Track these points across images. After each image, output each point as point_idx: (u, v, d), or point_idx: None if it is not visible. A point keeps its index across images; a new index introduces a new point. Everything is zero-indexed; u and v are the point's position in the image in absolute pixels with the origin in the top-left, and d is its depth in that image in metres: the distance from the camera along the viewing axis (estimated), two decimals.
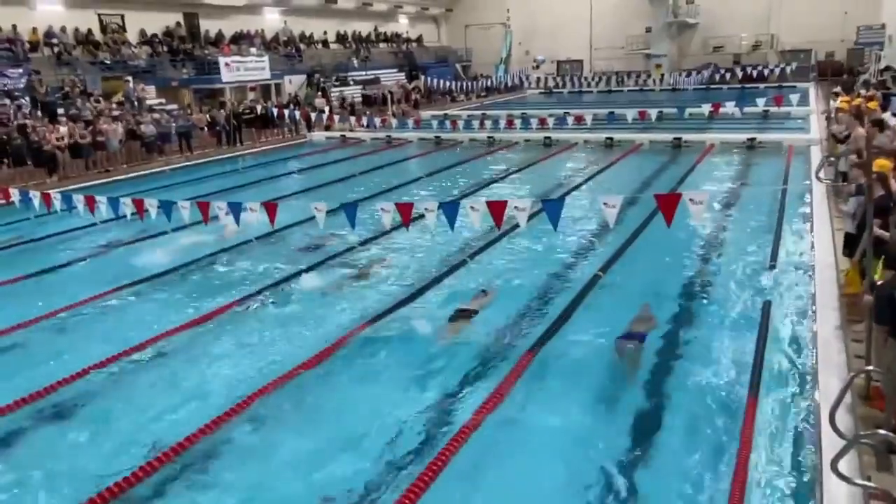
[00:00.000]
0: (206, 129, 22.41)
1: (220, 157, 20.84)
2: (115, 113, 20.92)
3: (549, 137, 20.85)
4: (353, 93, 33.13)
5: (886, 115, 12.64)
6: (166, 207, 9.01)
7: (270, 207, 8.51)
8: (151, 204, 9.04)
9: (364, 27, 40.90)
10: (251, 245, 10.78)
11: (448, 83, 36.67)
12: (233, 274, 9.60)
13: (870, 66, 29.59)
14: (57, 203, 9.99)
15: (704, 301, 7.94)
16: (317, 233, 10.44)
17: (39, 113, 19.55)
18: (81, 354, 6.85)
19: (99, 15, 26.48)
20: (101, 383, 6.44)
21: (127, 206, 9.13)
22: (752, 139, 18.28)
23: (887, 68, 26.14)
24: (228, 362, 6.81)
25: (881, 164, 6.83)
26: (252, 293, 8.56)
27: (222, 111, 23.04)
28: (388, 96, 32.08)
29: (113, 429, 5.67)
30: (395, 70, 39.43)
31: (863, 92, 19.52)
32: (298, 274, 9.25)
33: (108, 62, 24.71)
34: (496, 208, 7.43)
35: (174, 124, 21.24)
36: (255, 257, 10.21)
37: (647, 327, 7.07)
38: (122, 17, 27.25)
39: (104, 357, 6.74)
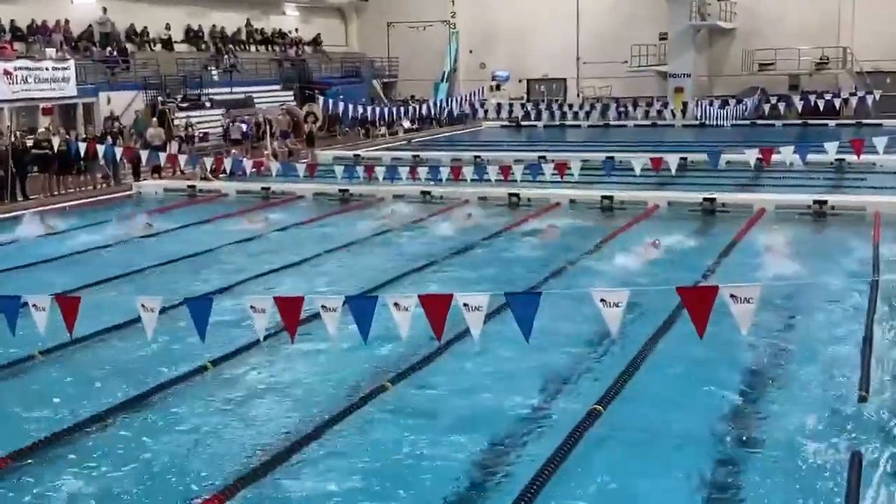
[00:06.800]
0: None
1: None
2: None
3: (516, 194, 21.28)
4: (211, 121, 33.29)
5: None
6: None
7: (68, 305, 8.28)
8: None
9: (230, 21, 41.71)
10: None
11: (361, 109, 37.41)
12: None
13: None
14: None
15: (765, 451, 8.01)
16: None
17: None
18: None
19: None
20: None
21: None
22: (822, 202, 19.14)
23: None
24: None
25: None
26: None
27: None
28: (267, 127, 32.33)
29: None
30: (277, 87, 40.06)
31: None
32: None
33: None
34: (435, 307, 7.43)
35: None
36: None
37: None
38: None
39: None
